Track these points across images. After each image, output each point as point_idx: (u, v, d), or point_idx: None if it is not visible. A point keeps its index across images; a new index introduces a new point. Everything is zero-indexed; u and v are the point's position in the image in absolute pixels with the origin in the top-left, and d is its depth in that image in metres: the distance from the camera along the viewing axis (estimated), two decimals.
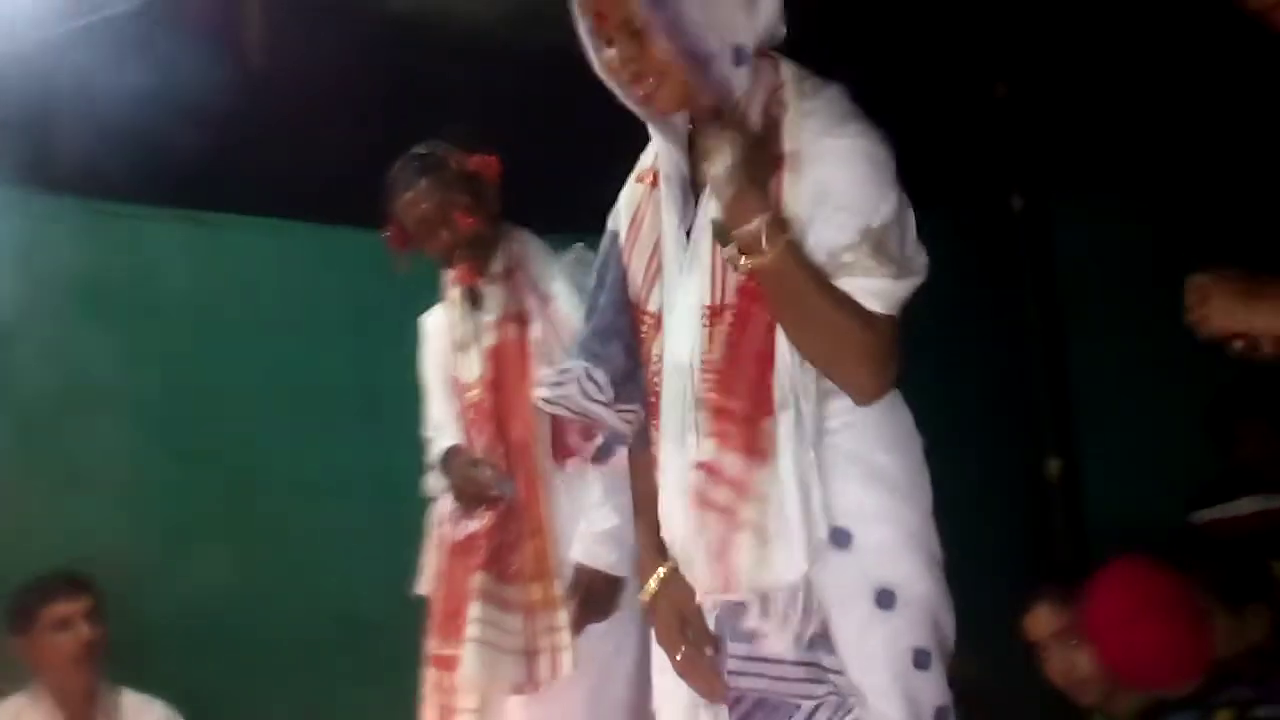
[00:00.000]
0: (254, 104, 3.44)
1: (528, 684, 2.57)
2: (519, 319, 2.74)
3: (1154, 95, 3.25)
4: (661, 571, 1.80)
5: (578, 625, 2.54)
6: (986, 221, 3.66)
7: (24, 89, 3.10)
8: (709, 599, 1.75)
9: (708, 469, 1.72)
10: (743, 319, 1.74)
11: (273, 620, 3.47)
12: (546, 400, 1.91)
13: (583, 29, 1.74)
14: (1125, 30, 3.22)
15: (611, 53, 1.73)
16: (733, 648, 1.74)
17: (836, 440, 1.73)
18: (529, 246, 2.82)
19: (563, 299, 2.71)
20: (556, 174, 3.40)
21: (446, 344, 2.86)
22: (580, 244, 2.79)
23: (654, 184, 1.86)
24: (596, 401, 1.86)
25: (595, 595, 2.51)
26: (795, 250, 1.66)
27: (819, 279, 1.67)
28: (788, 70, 1.78)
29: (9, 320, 3.25)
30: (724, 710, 1.75)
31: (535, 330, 2.72)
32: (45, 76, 3.13)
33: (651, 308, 1.84)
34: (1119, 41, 3.23)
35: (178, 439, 3.47)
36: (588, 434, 2.48)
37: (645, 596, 1.83)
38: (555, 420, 2.54)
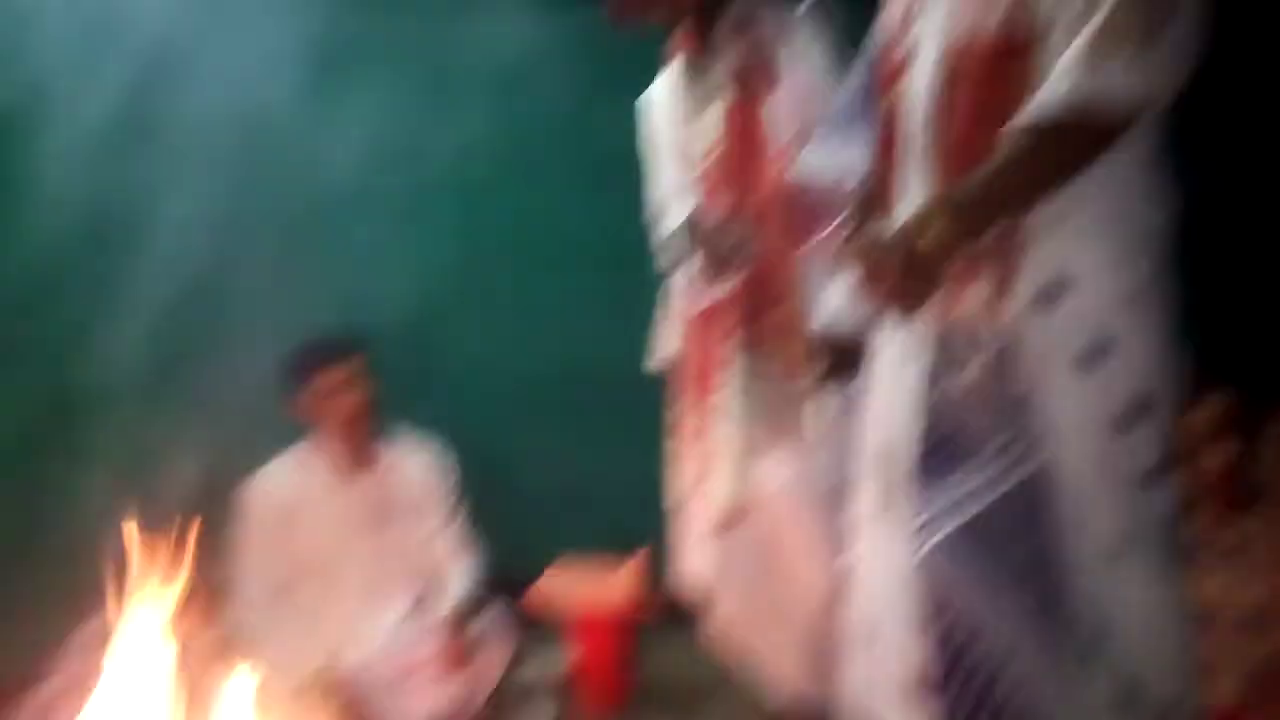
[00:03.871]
0: None
1: (782, 439, 2.68)
2: (756, 78, 2.66)
3: None
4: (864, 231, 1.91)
5: (819, 388, 2.57)
6: None
7: None
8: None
9: None
10: (973, 68, 1.76)
11: (513, 379, 3.72)
12: (800, 171, 2.10)
13: None
14: None
15: None
16: (935, 380, 1.83)
17: (1068, 193, 1.71)
18: (763, 5, 2.70)
19: (801, 58, 2.64)
20: None
21: (677, 111, 2.82)
22: (816, 4, 2.70)
23: None
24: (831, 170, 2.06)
25: (839, 358, 2.42)
26: (959, 214, 1.70)
27: (1000, 191, 1.70)
28: None
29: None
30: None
31: (775, 89, 2.65)
32: None
33: (895, 56, 1.90)
34: None
35: (414, 213, 3.67)
36: (820, 212, 2.50)
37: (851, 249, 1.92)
38: (791, 196, 2.57)
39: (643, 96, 2.94)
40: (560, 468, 3.66)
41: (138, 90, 3.34)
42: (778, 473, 2.73)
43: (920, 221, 1.72)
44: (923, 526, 1.81)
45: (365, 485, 3.33)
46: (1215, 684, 2.39)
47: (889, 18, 1.96)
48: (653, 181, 2.93)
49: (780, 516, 2.75)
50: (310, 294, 3.44)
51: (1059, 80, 1.64)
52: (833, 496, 2.63)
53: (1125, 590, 1.76)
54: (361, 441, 3.31)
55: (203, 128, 3.39)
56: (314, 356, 3.24)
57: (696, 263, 2.77)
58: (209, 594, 3.00)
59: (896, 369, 1.92)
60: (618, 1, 2.69)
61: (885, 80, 1.94)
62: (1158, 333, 1.77)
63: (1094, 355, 1.73)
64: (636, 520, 3.18)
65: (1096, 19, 1.61)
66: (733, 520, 2.76)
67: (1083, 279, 1.74)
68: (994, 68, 1.72)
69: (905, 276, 1.71)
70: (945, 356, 1.83)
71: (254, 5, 3.36)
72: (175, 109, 3.42)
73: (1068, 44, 1.65)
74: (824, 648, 2.52)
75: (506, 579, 3.40)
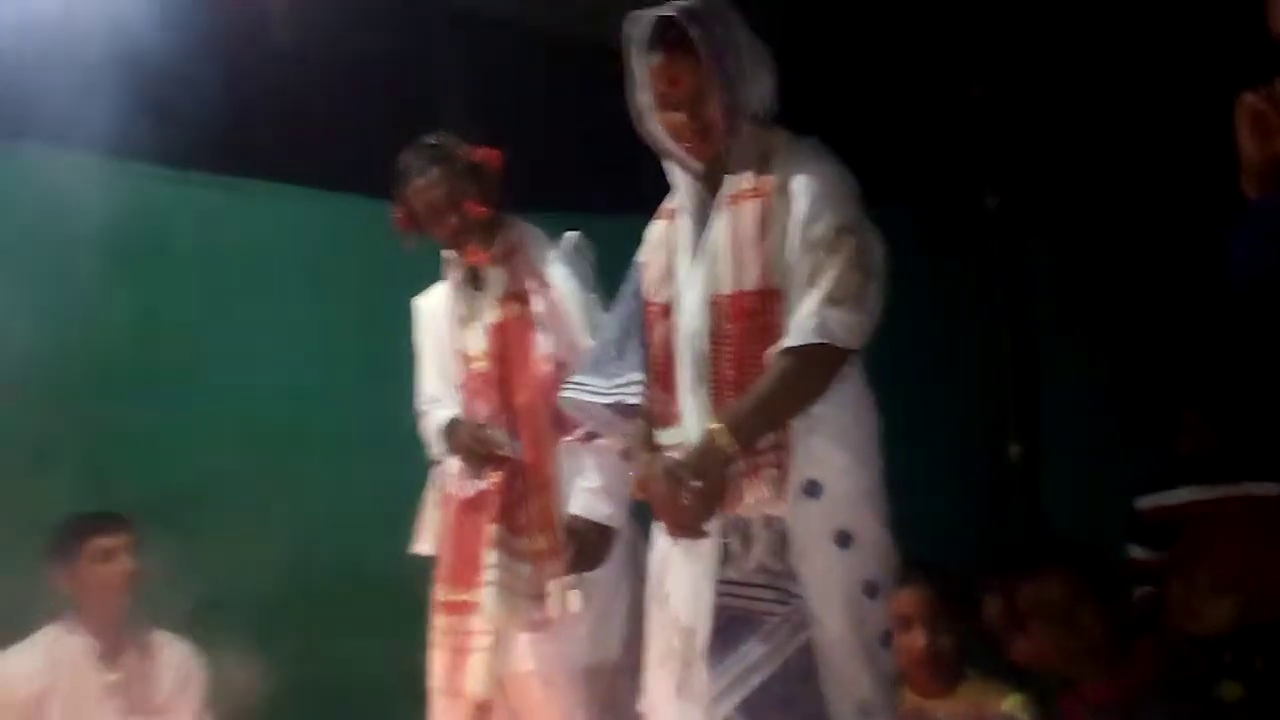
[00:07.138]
0: (268, 73, 3.60)
1: (541, 622, 2.82)
2: (520, 298, 2.99)
3: (1123, 98, 3.44)
4: (646, 457, 2.27)
5: (572, 572, 2.74)
6: (961, 218, 3.85)
7: (47, 48, 3.20)
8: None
9: None
10: (737, 312, 2.22)
11: (279, 571, 3.63)
12: (566, 401, 2.43)
13: (643, 94, 2.27)
14: (1104, 31, 3.42)
15: (678, 116, 2.25)
16: (725, 565, 2.19)
17: (815, 409, 2.18)
18: (527, 233, 3.08)
19: (561, 281, 2.99)
20: (554, 156, 3.60)
21: (448, 321, 3.09)
22: (576, 232, 3.07)
23: (672, 218, 2.39)
24: (599, 399, 2.38)
25: (590, 545, 2.63)
26: (738, 429, 2.12)
27: (767, 407, 2.14)
28: (778, 131, 2.32)
29: (26, 274, 3.37)
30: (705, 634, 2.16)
31: (537, 308, 2.97)
32: (69, 36, 3.25)
33: (659, 300, 2.36)
34: (1097, 42, 3.43)
35: (189, 396, 3.61)
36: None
37: (636, 477, 2.30)
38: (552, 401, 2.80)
39: (418, 298, 3.18)
40: (318, 658, 3.56)
41: None
42: (532, 653, 2.85)
43: (708, 440, 2.10)
44: (716, 698, 2.13)
45: (121, 673, 3.17)
46: None
47: (653, 269, 2.39)
48: (422, 379, 3.14)
49: (533, 696, 2.85)
50: (80, 472, 3.34)
51: (806, 320, 2.13)
52: (588, 676, 2.74)
53: None
54: (120, 623, 3.18)
55: None
56: (83, 525, 3.14)
57: (459, 458, 2.99)
58: None
59: (691, 558, 2.22)
60: (406, 216, 3.03)
61: (653, 319, 2.35)
62: (884, 522, 2.23)
63: (845, 537, 2.17)
64: (397, 713, 3.12)
65: (824, 280, 2.12)
66: (486, 706, 2.84)
67: (832, 477, 2.18)
68: (755, 311, 2.19)
69: (694, 503, 2.11)
70: (733, 544, 2.20)
71: None
72: None
73: (804, 296, 2.14)
74: None
75: None
